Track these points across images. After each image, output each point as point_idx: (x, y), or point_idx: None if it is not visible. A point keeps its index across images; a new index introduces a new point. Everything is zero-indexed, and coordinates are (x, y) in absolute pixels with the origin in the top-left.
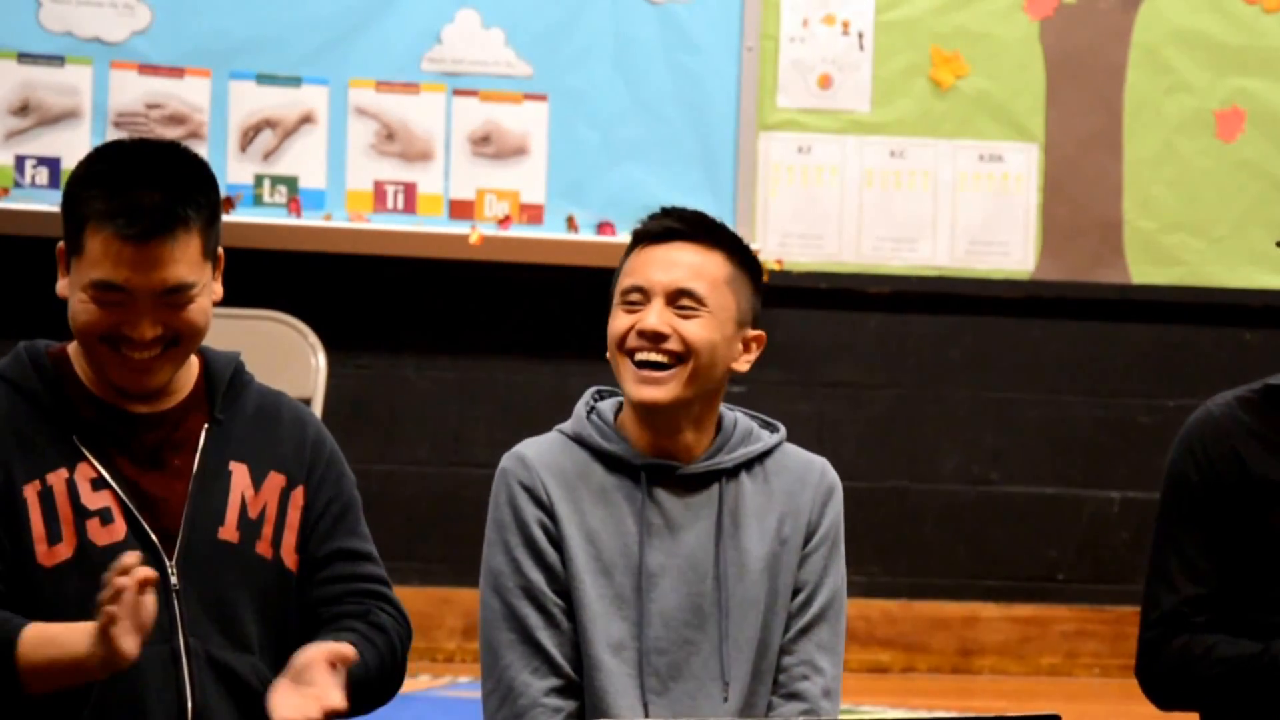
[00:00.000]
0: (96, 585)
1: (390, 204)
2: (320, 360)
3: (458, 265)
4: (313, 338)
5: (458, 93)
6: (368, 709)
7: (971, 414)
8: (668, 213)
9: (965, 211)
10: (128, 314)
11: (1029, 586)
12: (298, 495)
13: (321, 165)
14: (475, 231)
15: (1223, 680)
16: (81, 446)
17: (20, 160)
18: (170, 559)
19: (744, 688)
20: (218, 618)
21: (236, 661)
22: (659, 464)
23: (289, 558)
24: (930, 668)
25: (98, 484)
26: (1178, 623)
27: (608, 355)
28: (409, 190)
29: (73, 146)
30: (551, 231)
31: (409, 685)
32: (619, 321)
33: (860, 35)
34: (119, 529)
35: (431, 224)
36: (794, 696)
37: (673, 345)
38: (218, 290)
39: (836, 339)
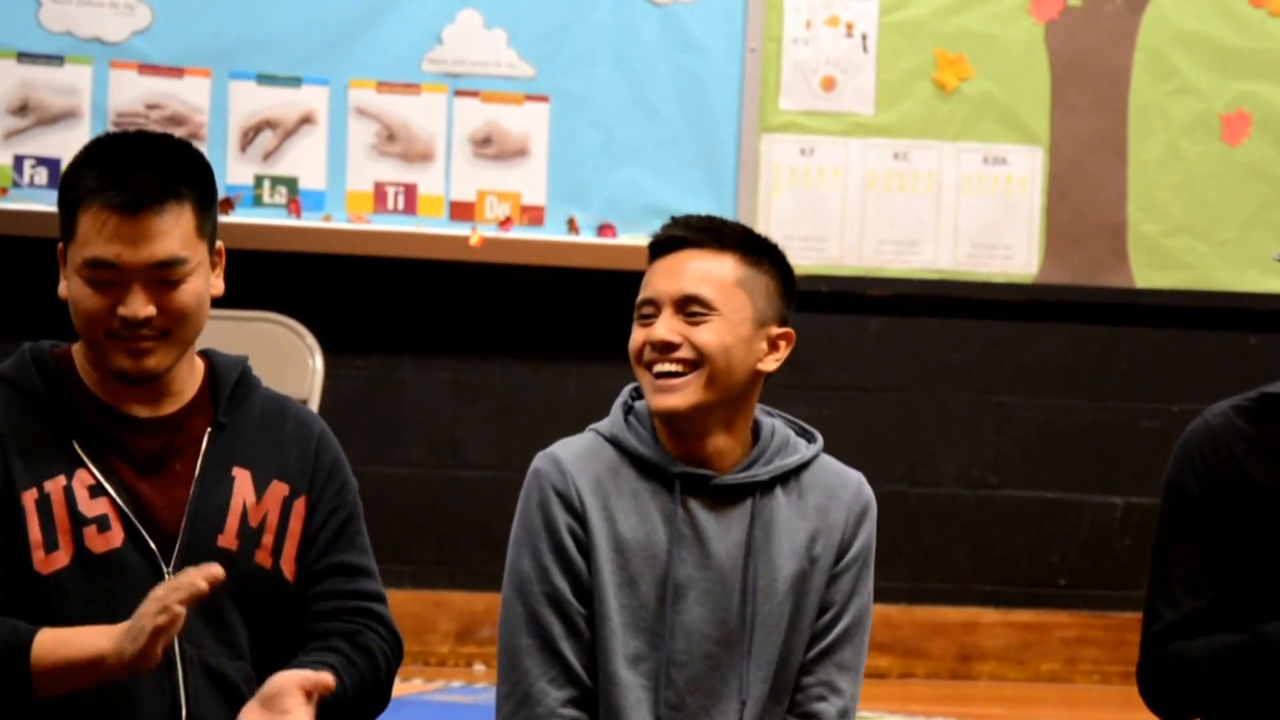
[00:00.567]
0: (94, 592)
1: (390, 205)
2: (318, 362)
3: (458, 267)
4: (310, 339)
5: (459, 94)
6: None
7: (973, 418)
8: (677, 222)
9: (968, 214)
10: (121, 294)
11: (1029, 592)
12: (300, 505)
13: (322, 166)
14: (476, 233)
15: (1218, 672)
16: (81, 452)
17: (19, 160)
18: (168, 566)
19: (760, 706)
20: (213, 625)
21: (230, 668)
22: (694, 474)
23: (288, 568)
24: (929, 674)
25: (95, 491)
26: (1178, 636)
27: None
28: (409, 191)
29: (72, 146)
30: (552, 233)
31: (401, 689)
32: (635, 336)
33: (864, 37)
34: (116, 536)
35: (432, 225)
36: (808, 717)
37: (684, 353)
38: (218, 285)
39: (837, 342)
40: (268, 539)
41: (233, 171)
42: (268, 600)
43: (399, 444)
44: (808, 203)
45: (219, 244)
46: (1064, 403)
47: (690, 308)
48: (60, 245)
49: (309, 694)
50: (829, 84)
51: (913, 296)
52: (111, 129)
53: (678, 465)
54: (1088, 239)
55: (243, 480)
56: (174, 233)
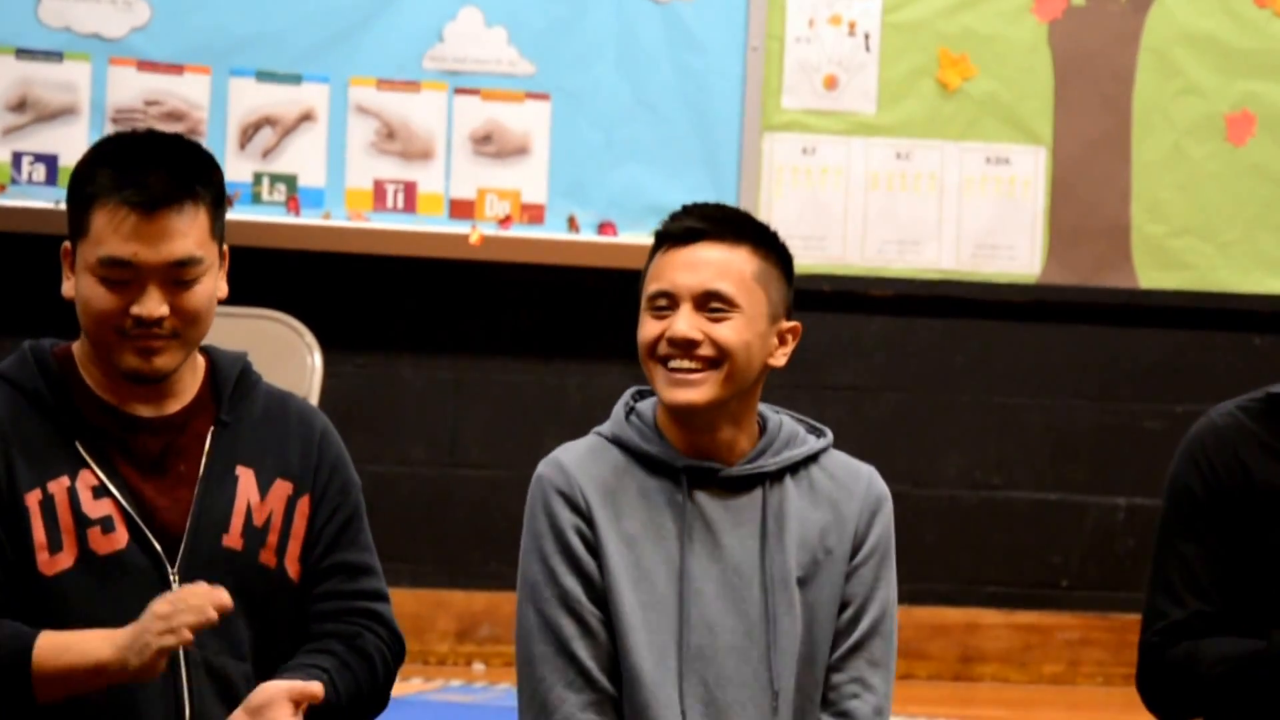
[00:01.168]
0: (98, 594)
1: (390, 203)
2: (317, 360)
3: (458, 265)
4: (309, 337)
5: (459, 91)
6: None
7: (975, 418)
8: (689, 211)
9: (971, 214)
10: (136, 293)
11: (1032, 593)
12: (304, 504)
13: (321, 163)
14: (475, 231)
15: (1227, 679)
16: (84, 453)
17: (17, 157)
18: (173, 566)
19: (791, 701)
20: (217, 625)
21: (233, 669)
22: (700, 466)
23: (293, 567)
24: (930, 675)
25: (99, 492)
26: (1181, 635)
27: (640, 360)
28: (409, 189)
29: (70, 143)
30: (552, 232)
31: (401, 689)
32: (649, 329)
33: (866, 36)
34: (120, 537)
35: (431, 223)
36: (844, 715)
37: (705, 351)
38: (223, 288)
39: (839, 342)
40: (272, 538)
41: (232, 168)
42: (272, 600)
43: (398, 443)
44: (810, 202)
45: (224, 245)
46: (1067, 403)
47: (711, 303)
48: (66, 244)
49: (297, 705)
50: (831, 83)
51: (915, 297)
52: (111, 126)
53: (683, 459)
54: (1091, 239)
55: (246, 479)
56: (190, 233)
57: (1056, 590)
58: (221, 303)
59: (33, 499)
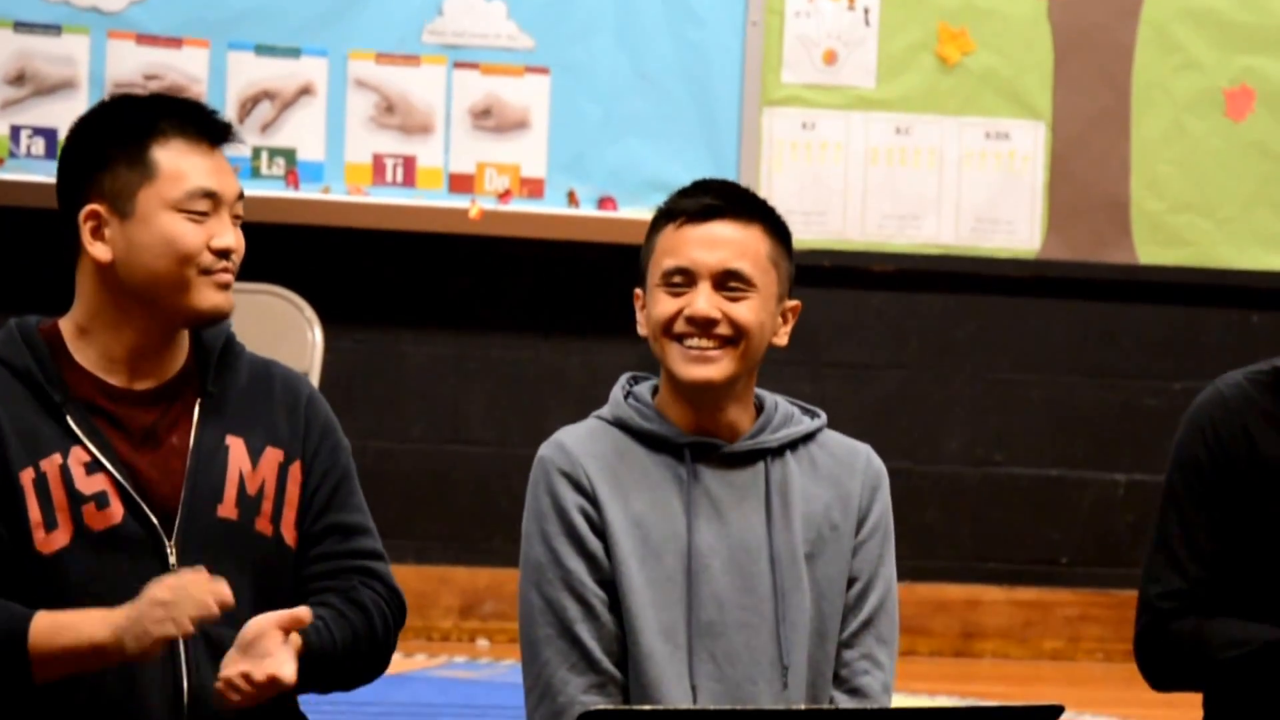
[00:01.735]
0: (96, 570)
1: (389, 177)
2: (316, 335)
3: (457, 239)
4: (309, 312)
5: (458, 65)
6: (341, 686)
7: (975, 395)
8: (703, 188)
9: (971, 189)
10: (215, 226)
11: (1032, 570)
12: (295, 470)
13: (320, 137)
14: (475, 205)
15: (1239, 666)
16: (75, 429)
17: (15, 130)
18: (169, 539)
19: (803, 676)
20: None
21: (230, 640)
22: (703, 442)
23: (289, 534)
24: (932, 651)
25: (92, 467)
26: (1184, 604)
27: (642, 334)
28: (408, 163)
29: (69, 117)
30: (552, 206)
31: (405, 665)
32: (664, 306)
33: (866, 11)
34: (116, 512)
35: (431, 198)
36: (856, 692)
37: (723, 330)
38: None
39: (840, 318)
40: (267, 506)
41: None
42: (270, 568)
43: (400, 418)
44: (809, 177)
45: None
46: (1066, 380)
47: (730, 282)
48: (91, 206)
49: (286, 632)
50: (830, 57)
51: (915, 272)
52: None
53: (685, 436)
54: (1090, 215)
55: (237, 449)
56: (233, 171)
57: (1056, 567)
58: None
59: (26, 477)
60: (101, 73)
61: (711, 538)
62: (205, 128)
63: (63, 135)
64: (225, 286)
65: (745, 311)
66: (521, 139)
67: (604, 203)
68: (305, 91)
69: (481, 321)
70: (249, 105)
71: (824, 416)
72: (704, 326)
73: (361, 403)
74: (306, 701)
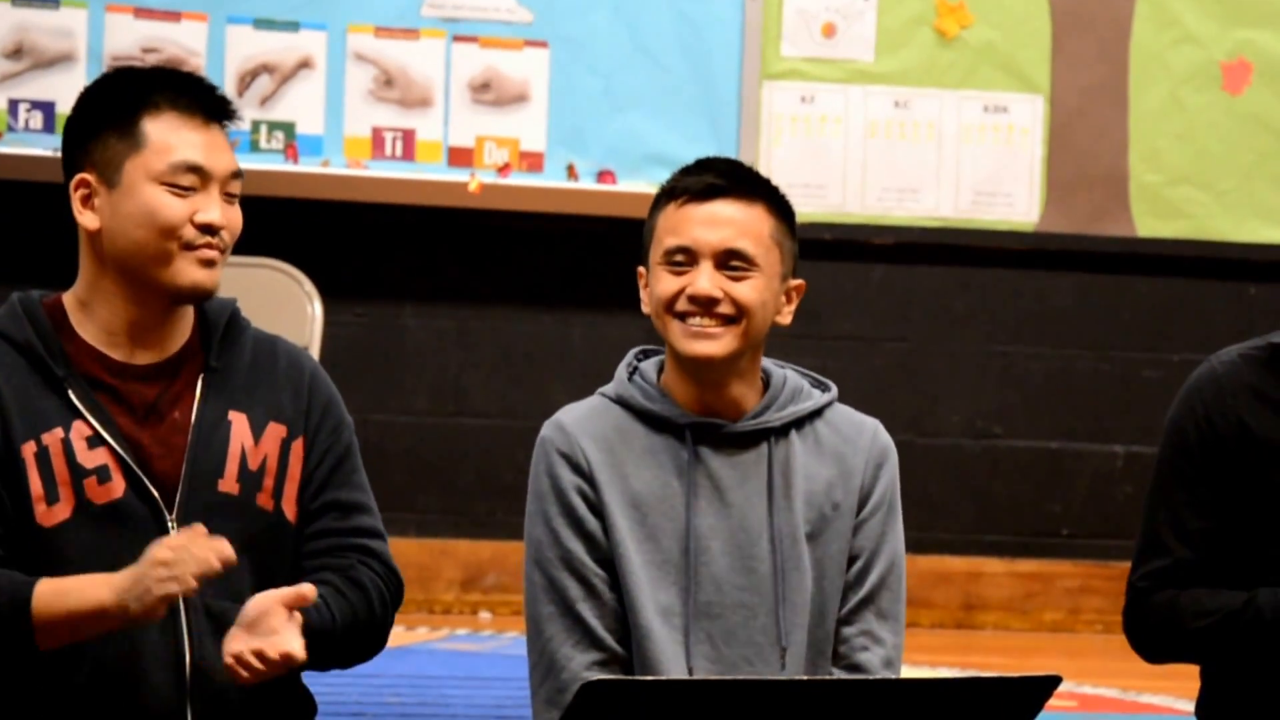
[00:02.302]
0: (97, 544)
1: (389, 151)
2: (316, 309)
3: (456, 213)
4: (309, 286)
5: (458, 39)
6: (338, 665)
7: (975, 367)
8: (705, 167)
9: (970, 163)
10: (200, 201)
11: (1033, 542)
12: (298, 446)
13: (319, 111)
14: (474, 179)
15: (1207, 634)
16: (78, 403)
17: (14, 104)
18: (170, 513)
19: (802, 656)
20: (220, 575)
21: (233, 613)
22: (705, 422)
23: (289, 509)
24: (933, 623)
25: (94, 441)
26: (1165, 583)
27: (645, 311)
28: (407, 137)
29: (67, 90)
30: (551, 180)
31: (407, 637)
32: (666, 284)
33: None
34: (117, 486)
35: (430, 171)
36: (854, 668)
37: (724, 309)
38: None
39: (840, 290)
40: (268, 481)
41: None
42: (271, 543)
43: (401, 392)
44: (809, 150)
45: None
46: (1066, 352)
47: (732, 262)
48: (83, 175)
49: (290, 609)
50: (830, 31)
51: (915, 245)
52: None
53: (687, 416)
54: (1089, 188)
55: (239, 424)
56: (231, 148)
57: (1057, 539)
58: None
59: (28, 450)
60: (100, 46)
61: (712, 519)
62: (200, 102)
63: (61, 109)
64: (209, 263)
65: (747, 291)
66: (521, 112)
67: (603, 176)
68: (304, 65)
69: (481, 295)
70: (248, 79)
71: (834, 390)
72: (706, 305)
73: (362, 377)
74: (309, 675)
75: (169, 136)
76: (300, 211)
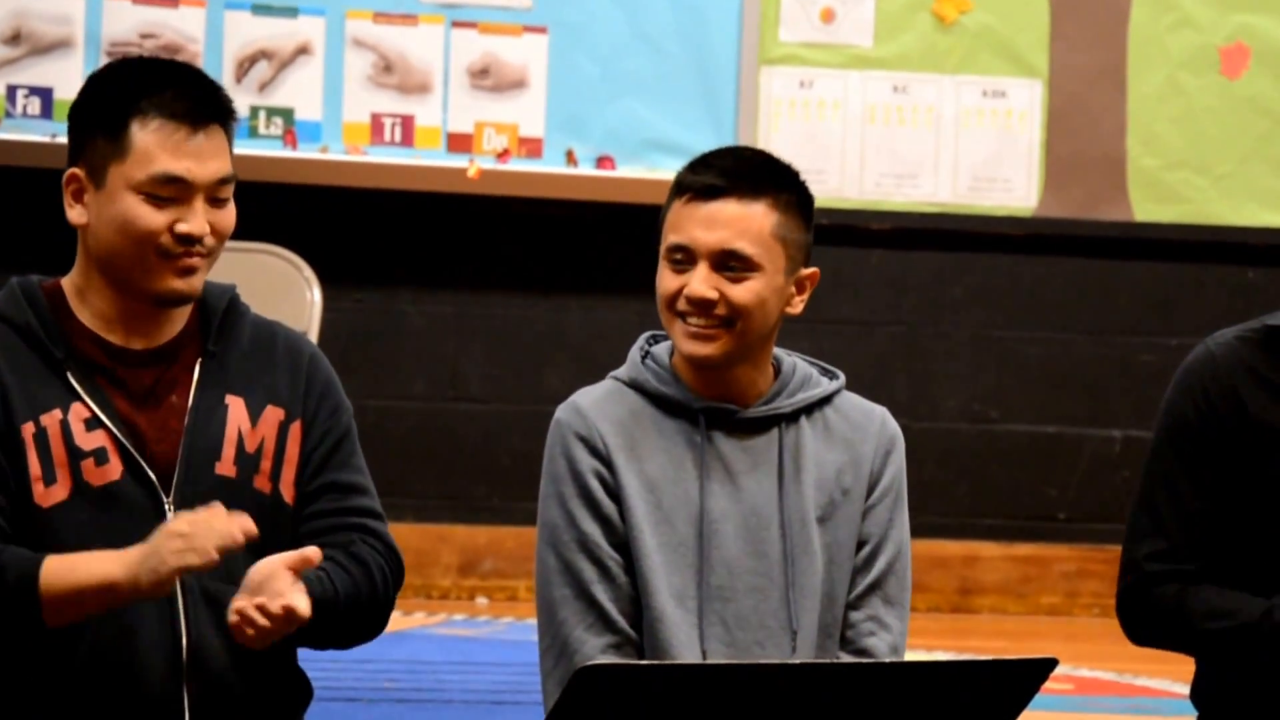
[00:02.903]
0: (93, 525)
1: (387, 136)
2: (315, 294)
3: (455, 199)
4: (308, 271)
5: (456, 25)
6: (343, 642)
7: (973, 352)
8: (710, 163)
9: (968, 148)
10: (181, 211)
11: (1029, 526)
12: (296, 429)
13: (318, 97)
14: (473, 165)
15: (1220, 636)
16: (76, 385)
17: (12, 90)
18: (168, 496)
19: (812, 640)
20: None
21: (228, 595)
22: (718, 407)
23: (287, 492)
24: (930, 607)
25: (92, 424)
26: (1168, 566)
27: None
28: (406, 123)
29: (65, 76)
30: (550, 165)
31: (404, 622)
32: (667, 281)
33: None
34: (114, 468)
35: (429, 157)
36: (862, 653)
37: (720, 311)
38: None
39: (838, 276)
40: (265, 464)
41: None
42: (268, 525)
43: (399, 377)
44: (807, 136)
45: None
46: (1063, 336)
47: (729, 262)
48: (72, 170)
49: (295, 572)
50: (828, 16)
51: (913, 230)
52: (106, 59)
53: (701, 401)
54: (1087, 172)
55: (236, 407)
56: (225, 150)
57: (1054, 523)
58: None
59: (27, 431)
60: (98, 32)
61: (724, 502)
62: (191, 107)
63: (59, 95)
64: (187, 271)
65: (744, 293)
66: (520, 98)
67: (602, 162)
68: (303, 51)
69: (480, 280)
70: (246, 65)
71: (842, 378)
72: (701, 307)
73: (360, 362)
74: (305, 659)
75: (153, 146)
76: (299, 197)
